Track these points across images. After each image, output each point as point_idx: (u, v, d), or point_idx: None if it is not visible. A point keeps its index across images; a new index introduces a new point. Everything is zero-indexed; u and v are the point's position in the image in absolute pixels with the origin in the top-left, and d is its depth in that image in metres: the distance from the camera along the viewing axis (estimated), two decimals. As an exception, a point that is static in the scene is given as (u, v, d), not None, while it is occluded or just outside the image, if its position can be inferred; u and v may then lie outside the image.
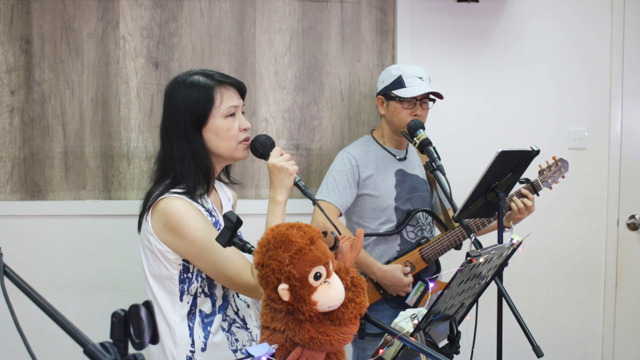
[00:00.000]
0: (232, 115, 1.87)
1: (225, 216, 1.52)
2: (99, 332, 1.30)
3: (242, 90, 1.93)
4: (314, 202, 1.90)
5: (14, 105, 3.02)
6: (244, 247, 1.54)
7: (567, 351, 3.43)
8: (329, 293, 1.41)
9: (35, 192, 3.06)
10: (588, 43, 3.36)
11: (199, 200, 1.85)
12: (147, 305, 0.94)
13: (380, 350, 1.57)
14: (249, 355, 1.21)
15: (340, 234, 1.83)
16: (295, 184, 1.85)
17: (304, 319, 1.42)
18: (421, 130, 2.51)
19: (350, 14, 3.19)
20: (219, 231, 1.58)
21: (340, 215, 2.72)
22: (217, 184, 2.04)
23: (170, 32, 3.08)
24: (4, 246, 1.24)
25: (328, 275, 1.43)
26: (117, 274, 3.07)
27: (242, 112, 1.92)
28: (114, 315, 0.93)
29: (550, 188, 2.72)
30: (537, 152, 2.29)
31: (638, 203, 3.43)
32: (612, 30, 3.36)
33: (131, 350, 0.94)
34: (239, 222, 1.51)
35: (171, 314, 1.83)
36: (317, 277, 1.40)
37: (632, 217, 3.42)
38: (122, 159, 3.08)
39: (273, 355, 1.26)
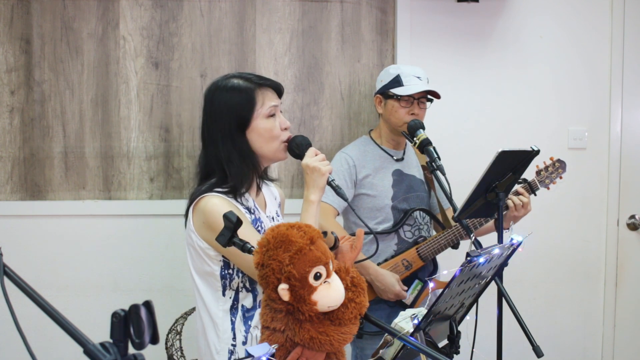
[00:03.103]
0: (273, 115, 1.92)
1: (225, 216, 1.53)
2: (99, 332, 1.30)
3: (279, 91, 1.98)
4: (347, 201, 1.97)
5: (14, 105, 3.02)
6: (244, 247, 1.54)
7: (567, 351, 3.43)
8: (329, 293, 1.42)
9: (35, 192, 3.06)
10: (588, 43, 3.36)
11: (239, 199, 1.91)
12: (147, 305, 0.94)
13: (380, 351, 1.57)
14: (249, 355, 1.21)
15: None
16: (329, 183, 1.90)
17: (304, 319, 1.42)
18: (421, 130, 2.52)
19: (350, 14, 3.19)
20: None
21: (338, 215, 2.72)
22: (263, 184, 2.10)
23: (170, 32, 3.08)
24: (4, 246, 1.24)
25: (328, 275, 1.43)
26: (117, 274, 3.07)
27: (281, 112, 1.97)
28: (114, 315, 0.93)
29: (548, 188, 2.72)
30: (537, 152, 2.29)
31: (638, 203, 3.43)
32: (612, 30, 3.35)
33: (131, 350, 0.94)
34: (238, 222, 1.51)
35: (214, 308, 1.89)
36: (317, 277, 1.40)
37: (632, 217, 3.42)
38: (122, 159, 3.08)
39: (273, 355, 1.26)
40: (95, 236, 3.06)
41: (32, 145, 3.04)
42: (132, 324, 0.93)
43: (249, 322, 1.90)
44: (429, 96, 2.73)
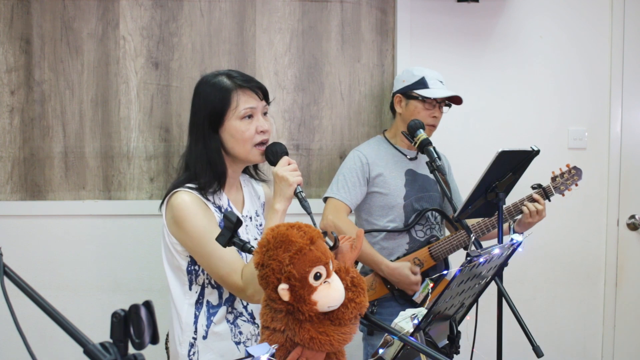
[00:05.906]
0: (250, 117, 1.91)
1: (225, 216, 1.53)
2: (99, 332, 1.30)
3: (264, 93, 1.96)
4: (309, 214, 1.84)
5: (14, 105, 3.02)
6: (244, 247, 1.54)
7: (567, 351, 3.43)
8: (329, 293, 1.41)
9: (35, 192, 3.06)
10: (588, 43, 3.36)
11: (210, 197, 1.92)
12: (147, 305, 0.94)
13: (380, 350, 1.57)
14: (249, 355, 1.21)
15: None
16: (295, 194, 1.86)
17: (304, 319, 1.42)
18: (421, 130, 2.52)
19: (350, 14, 3.19)
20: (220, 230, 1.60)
21: (350, 212, 2.74)
22: (245, 181, 2.10)
23: (170, 32, 3.08)
24: (4, 246, 1.24)
25: (328, 275, 1.43)
26: (117, 274, 3.07)
27: (265, 113, 1.96)
28: (114, 315, 0.93)
29: (563, 195, 2.74)
30: (537, 152, 2.29)
31: (638, 203, 3.43)
32: (612, 30, 3.35)
33: (131, 350, 0.94)
34: (238, 222, 1.51)
35: (180, 301, 1.93)
36: (317, 277, 1.40)
37: (632, 217, 3.42)
38: (122, 159, 3.08)
39: (273, 355, 1.26)
40: (95, 236, 3.06)
41: (32, 145, 3.04)
42: (132, 324, 0.93)
43: (212, 318, 1.93)
44: (447, 102, 2.78)
